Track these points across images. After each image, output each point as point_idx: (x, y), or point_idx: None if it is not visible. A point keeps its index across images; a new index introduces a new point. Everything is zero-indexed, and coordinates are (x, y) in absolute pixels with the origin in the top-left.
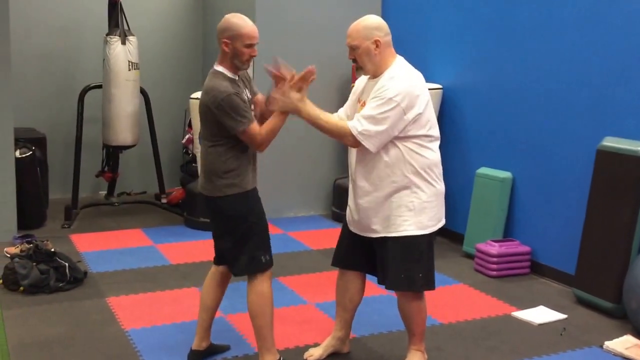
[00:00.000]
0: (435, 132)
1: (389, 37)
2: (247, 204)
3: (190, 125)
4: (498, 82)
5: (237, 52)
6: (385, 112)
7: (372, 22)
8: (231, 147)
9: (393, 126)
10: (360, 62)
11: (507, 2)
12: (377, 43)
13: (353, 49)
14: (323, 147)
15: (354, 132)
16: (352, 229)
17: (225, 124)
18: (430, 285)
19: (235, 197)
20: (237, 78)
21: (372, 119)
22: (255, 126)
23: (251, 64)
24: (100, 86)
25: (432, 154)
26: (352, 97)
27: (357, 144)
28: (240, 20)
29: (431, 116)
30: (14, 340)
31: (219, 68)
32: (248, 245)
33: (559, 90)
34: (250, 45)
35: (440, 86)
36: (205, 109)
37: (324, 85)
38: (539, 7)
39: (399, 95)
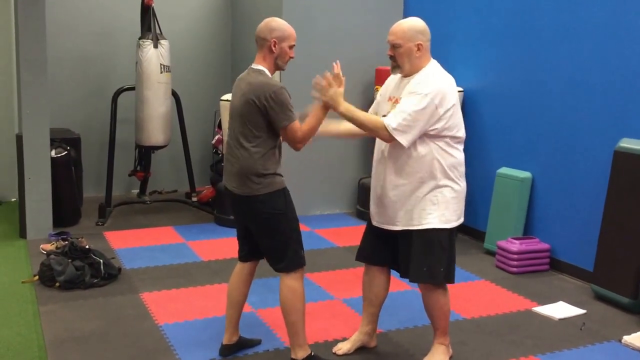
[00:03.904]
0: (462, 133)
1: (429, 43)
2: (286, 201)
3: (219, 126)
4: (518, 85)
5: (282, 53)
6: (420, 109)
7: (418, 25)
8: (271, 146)
9: (425, 122)
10: (400, 61)
11: (526, 6)
12: (419, 46)
13: (395, 47)
14: (348, 148)
15: (389, 128)
16: (377, 223)
17: (271, 118)
18: (451, 278)
19: (276, 194)
20: None
21: (406, 115)
22: (298, 123)
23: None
24: (133, 88)
25: (459, 154)
26: (381, 97)
27: (390, 138)
28: (284, 23)
29: (459, 119)
30: (50, 335)
31: (260, 67)
32: (291, 241)
33: (577, 93)
34: (293, 47)
35: (461, 89)
36: (252, 103)
37: (347, 88)
38: (558, 11)
39: (433, 92)
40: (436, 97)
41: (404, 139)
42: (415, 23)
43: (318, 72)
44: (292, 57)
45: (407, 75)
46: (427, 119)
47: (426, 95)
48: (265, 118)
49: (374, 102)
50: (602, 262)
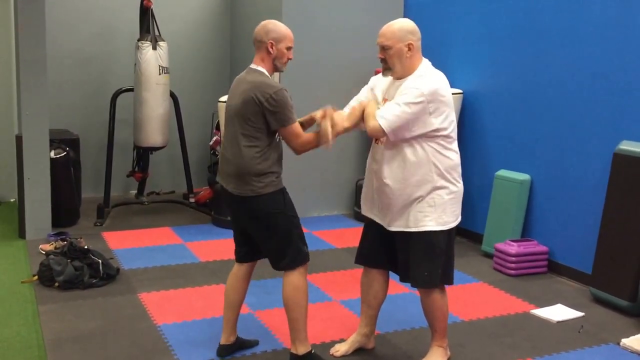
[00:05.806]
0: (455, 133)
1: (420, 42)
2: (285, 200)
3: (217, 128)
4: (517, 87)
5: (280, 54)
6: (410, 103)
7: (407, 25)
8: (269, 146)
9: (414, 120)
10: (390, 63)
11: (526, 9)
12: (410, 46)
13: (385, 48)
14: (346, 150)
15: (377, 115)
16: (373, 217)
17: (270, 119)
18: (449, 280)
19: (274, 195)
20: None
21: (395, 106)
22: (298, 126)
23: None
24: (131, 90)
25: (455, 155)
26: (368, 93)
27: (376, 127)
28: (281, 25)
29: (453, 118)
30: (49, 335)
31: (259, 68)
32: (292, 239)
33: (577, 95)
34: (290, 48)
35: (460, 91)
36: (253, 102)
37: (347, 89)
38: (558, 13)
39: (426, 93)
40: (428, 97)
41: (387, 126)
42: (404, 23)
43: (318, 72)
44: (290, 59)
45: (399, 77)
46: (416, 116)
47: (419, 94)
48: (265, 117)
49: (357, 96)
50: (600, 264)
